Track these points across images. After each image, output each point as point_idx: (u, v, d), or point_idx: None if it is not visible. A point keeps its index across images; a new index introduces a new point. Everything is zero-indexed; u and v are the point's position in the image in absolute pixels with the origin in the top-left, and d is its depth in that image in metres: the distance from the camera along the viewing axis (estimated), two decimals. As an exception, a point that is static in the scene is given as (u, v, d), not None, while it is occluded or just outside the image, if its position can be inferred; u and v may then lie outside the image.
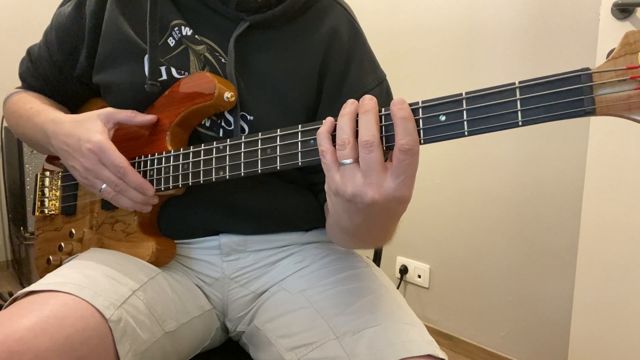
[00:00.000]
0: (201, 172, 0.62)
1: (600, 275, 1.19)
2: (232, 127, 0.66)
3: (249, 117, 0.67)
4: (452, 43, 1.57)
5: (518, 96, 0.40)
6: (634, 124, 1.20)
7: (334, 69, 0.69)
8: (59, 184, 0.81)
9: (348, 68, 0.70)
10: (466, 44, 1.54)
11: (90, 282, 0.56)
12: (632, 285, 1.14)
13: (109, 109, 0.66)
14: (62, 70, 0.76)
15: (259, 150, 0.56)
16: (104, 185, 0.62)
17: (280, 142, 0.54)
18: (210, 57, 0.68)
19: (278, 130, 0.55)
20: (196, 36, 0.68)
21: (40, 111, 0.72)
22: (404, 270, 1.78)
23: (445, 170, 1.63)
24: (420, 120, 0.45)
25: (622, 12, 1.09)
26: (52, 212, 0.81)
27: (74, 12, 0.72)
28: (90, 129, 0.62)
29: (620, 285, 1.16)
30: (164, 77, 0.67)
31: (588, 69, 0.37)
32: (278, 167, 0.54)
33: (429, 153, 1.65)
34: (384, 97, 0.73)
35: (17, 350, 0.46)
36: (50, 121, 0.67)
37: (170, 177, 0.64)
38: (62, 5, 0.77)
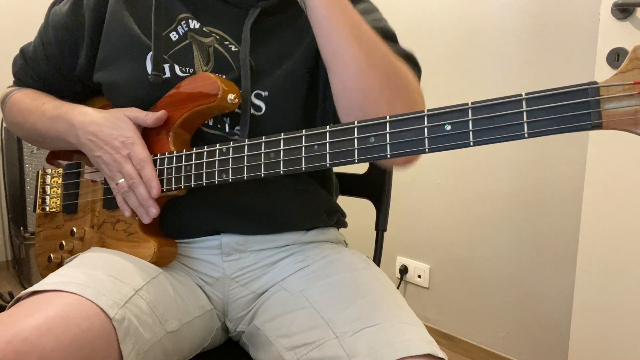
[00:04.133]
0: (204, 174, 0.61)
1: (600, 276, 1.20)
2: (241, 123, 0.66)
3: (263, 93, 0.67)
4: (452, 43, 1.57)
5: (524, 108, 0.40)
6: None
7: None
8: (60, 182, 0.81)
9: None
10: (466, 44, 1.54)
11: (93, 281, 0.56)
12: (632, 285, 1.14)
13: (133, 109, 0.67)
14: (61, 69, 0.76)
15: (262, 154, 0.56)
16: (121, 180, 0.64)
17: (284, 146, 0.54)
18: (219, 48, 0.68)
19: (282, 134, 0.55)
20: (204, 28, 0.68)
21: (59, 105, 0.72)
22: (404, 270, 1.78)
23: (445, 171, 1.63)
24: (426, 129, 0.45)
25: (622, 12, 1.08)
26: (53, 210, 0.80)
27: (72, 10, 0.72)
28: (122, 127, 0.65)
29: (620, 285, 1.16)
30: (168, 74, 0.67)
31: (595, 82, 0.37)
32: (282, 172, 0.54)
33: (430, 153, 1.66)
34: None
35: (24, 351, 0.46)
36: (79, 113, 0.68)
37: (173, 179, 0.64)
38: (55, 3, 0.76)
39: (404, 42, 1.67)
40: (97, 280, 0.57)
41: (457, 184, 1.61)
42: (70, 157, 0.81)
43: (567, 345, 1.27)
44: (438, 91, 1.62)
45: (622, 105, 0.36)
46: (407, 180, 1.74)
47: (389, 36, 0.69)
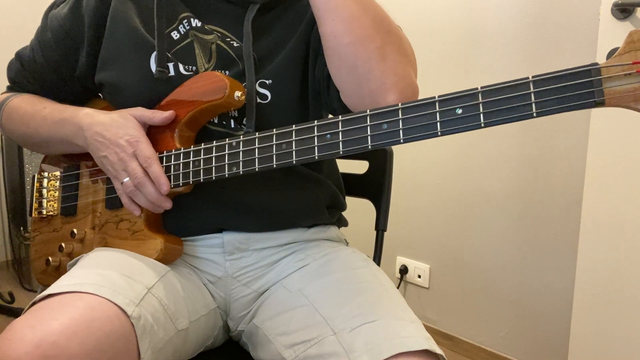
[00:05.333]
0: (213, 168, 0.62)
1: (600, 276, 1.20)
2: (247, 116, 0.67)
3: (267, 81, 0.69)
4: (452, 43, 1.58)
5: (532, 89, 0.42)
6: (633, 122, 1.22)
7: None
8: (58, 184, 0.80)
9: None
10: (466, 44, 1.55)
11: (107, 281, 0.56)
12: (633, 284, 1.14)
13: (139, 108, 0.68)
14: (60, 72, 0.76)
15: (274, 146, 0.57)
16: (126, 179, 0.64)
17: (296, 137, 0.55)
18: (222, 44, 0.70)
19: (293, 125, 0.56)
20: (206, 26, 0.71)
21: (63, 109, 0.73)
22: (404, 270, 1.78)
23: (445, 171, 1.64)
24: (437, 114, 0.47)
25: (622, 12, 1.09)
26: (51, 213, 0.79)
27: (71, 13, 0.73)
28: (127, 125, 0.65)
29: (620, 284, 1.16)
30: (172, 73, 0.69)
31: (597, 63, 0.41)
32: (294, 162, 0.55)
33: (429, 153, 1.67)
34: None
35: (52, 355, 0.46)
36: (85, 115, 0.69)
37: (181, 175, 0.65)
38: (53, 7, 0.77)
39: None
40: (110, 280, 0.57)
41: (457, 183, 1.61)
42: (68, 159, 0.81)
43: (567, 345, 1.27)
44: (438, 90, 1.63)
45: (622, 84, 0.39)
46: (407, 180, 1.74)
47: None
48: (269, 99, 0.69)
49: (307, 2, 0.73)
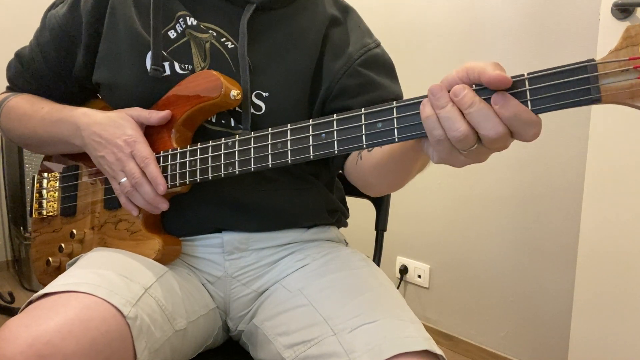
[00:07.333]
0: (209, 168, 0.62)
1: (600, 275, 1.20)
2: (242, 117, 0.67)
3: (264, 94, 0.69)
4: (452, 42, 1.58)
5: (527, 87, 0.42)
6: (633, 122, 1.21)
7: (335, 36, 0.73)
8: (57, 185, 0.80)
9: (347, 35, 0.74)
10: (465, 44, 1.54)
11: (104, 281, 0.56)
12: (632, 284, 1.14)
13: (136, 108, 0.68)
14: (59, 72, 0.76)
15: (269, 145, 0.57)
16: (124, 179, 0.64)
17: (291, 136, 0.55)
18: (216, 44, 0.70)
19: (288, 125, 0.56)
20: (201, 25, 0.70)
21: (60, 108, 0.73)
22: (404, 270, 1.78)
23: (445, 171, 1.62)
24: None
25: (622, 12, 1.09)
26: (51, 214, 0.80)
27: (69, 13, 0.73)
28: (124, 125, 0.65)
29: (620, 284, 1.16)
30: (168, 72, 0.68)
31: (593, 60, 0.40)
32: (289, 162, 0.55)
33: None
34: (387, 58, 0.77)
35: (46, 354, 0.46)
36: (82, 114, 0.69)
37: (177, 174, 0.65)
38: (51, 7, 0.77)
39: (403, 40, 1.68)
40: (108, 279, 0.57)
41: (456, 184, 1.61)
42: (67, 160, 0.81)
43: (567, 345, 1.27)
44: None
45: (619, 80, 0.39)
46: (407, 181, 1.75)
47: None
48: (262, 111, 0.68)
49: (312, 17, 0.73)
